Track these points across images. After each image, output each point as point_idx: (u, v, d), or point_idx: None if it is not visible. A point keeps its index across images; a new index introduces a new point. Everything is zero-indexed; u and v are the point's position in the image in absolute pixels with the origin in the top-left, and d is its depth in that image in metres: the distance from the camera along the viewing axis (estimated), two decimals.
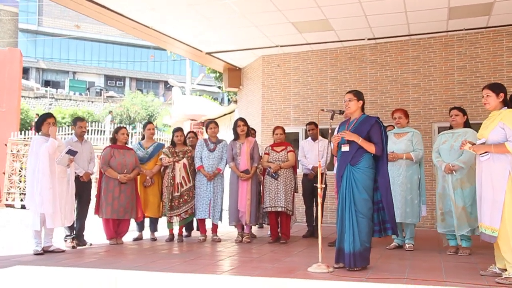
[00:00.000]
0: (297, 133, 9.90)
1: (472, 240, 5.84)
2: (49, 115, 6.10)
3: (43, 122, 5.97)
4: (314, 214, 7.58)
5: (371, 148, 4.78)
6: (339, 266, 4.82)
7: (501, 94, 4.37)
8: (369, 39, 9.25)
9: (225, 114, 13.66)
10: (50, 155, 5.80)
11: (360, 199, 4.71)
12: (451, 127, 5.99)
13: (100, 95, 36.97)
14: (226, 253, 6.00)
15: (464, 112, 5.88)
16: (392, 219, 4.89)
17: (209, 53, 10.37)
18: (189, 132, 7.78)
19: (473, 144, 4.46)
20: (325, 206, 7.72)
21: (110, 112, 27.63)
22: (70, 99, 34.96)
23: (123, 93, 38.56)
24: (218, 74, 18.32)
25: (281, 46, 9.71)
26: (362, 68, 9.59)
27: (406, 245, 6.19)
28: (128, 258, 5.63)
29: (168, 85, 40.74)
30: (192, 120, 14.93)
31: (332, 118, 5.03)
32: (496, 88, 4.41)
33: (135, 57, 41.78)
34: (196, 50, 10.18)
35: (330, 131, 5.03)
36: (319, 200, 4.87)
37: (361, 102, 5.01)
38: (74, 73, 41.17)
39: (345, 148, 4.85)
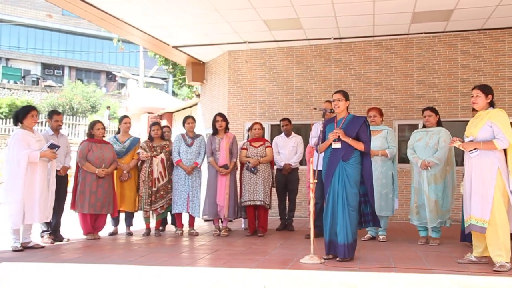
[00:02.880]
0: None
1: (441, 231, 6.29)
2: (32, 108, 5.94)
3: (26, 114, 5.81)
4: (287, 208, 7.84)
5: (360, 146, 5.08)
6: (328, 257, 5.09)
7: (489, 96, 4.78)
8: (335, 38, 9.58)
9: (185, 108, 13.62)
10: (30, 157, 5.67)
11: (352, 194, 5.00)
12: (424, 126, 6.39)
13: (37, 84, 35.42)
14: (210, 246, 6.12)
15: (436, 112, 6.29)
16: (374, 211, 5.24)
17: (175, 47, 10.34)
18: (163, 127, 7.77)
19: (462, 141, 4.83)
20: (297, 201, 7.98)
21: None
22: (4, 87, 33.20)
23: (62, 83, 37.16)
24: (170, 66, 18.19)
25: (249, 42, 9.86)
26: (327, 66, 9.92)
27: (380, 236, 6.56)
28: (117, 253, 5.64)
29: (111, 76, 39.74)
30: (149, 113, 14.78)
31: (323, 116, 5.25)
32: (486, 89, 4.80)
33: (74, 46, 40.30)
34: (162, 43, 10.13)
35: (322, 128, 5.25)
36: (312, 195, 5.09)
37: (348, 102, 5.27)
38: (8, 59, 39.08)
39: (337, 145, 5.10)
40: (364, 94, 9.64)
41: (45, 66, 39.72)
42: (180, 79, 19.64)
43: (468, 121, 8.55)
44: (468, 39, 9.25)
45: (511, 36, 9.02)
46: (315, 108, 5.40)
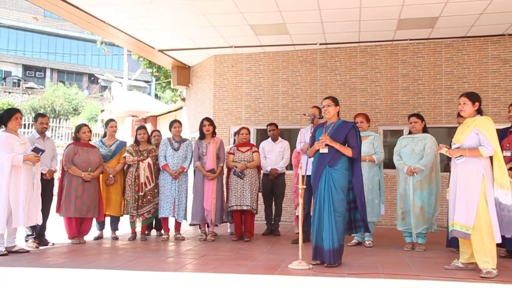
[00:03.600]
0: None
1: (427, 237, 6.34)
2: (17, 110, 5.87)
3: (11, 117, 5.73)
4: (273, 213, 7.83)
5: (348, 152, 5.09)
6: (316, 262, 5.10)
7: (477, 103, 4.83)
8: (320, 44, 9.63)
9: (169, 112, 13.55)
10: (14, 161, 5.60)
11: (338, 199, 5.01)
12: (410, 132, 6.44)
13: (18, 85, 34.99)
14: (197, 251, 6.08)
15: (422, 119, 6.35)
16: (365, 217, 5.25)
17: (161, 50, 10.29)
18: (153, 131, 7.72)
19: (449, 148, 4.88)
20: (283, 206, 7.99)
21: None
22: None
23: (43, 85, 36.72)
24: (155, 70, 18.10)
25: (235, 46, 9.85)
26: (312, 72, 9.96)
27: (366, 242, 6.59)
28: (103, 258, 5.58)
29: (93, 78, 39.39)
30: (133, 116, 14.67)
31: (312, 122, 5.27)
32: (473, 97, 4.85)
33: (56, 48, 39.83)
34: (147, 46, 10.07)
35: (310, 135, 5.27)
36: (300, 200, 5.09)
37: (338, 107, 5.30)
38: None
39: (324, 150, 5.12)
40: (349, 100, 9.70)
41: (26, 67, 39.22)
42: (164, 82, 19.53)
43: (452, 128, 8.72)
44: (452, 46, 9.37)
45: (494, 44, 9.17)
46: (304, 114, 5.42)
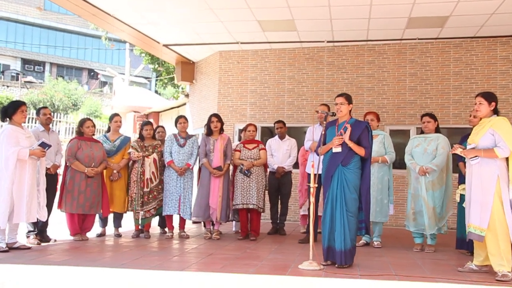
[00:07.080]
0: None
1: (436, 238, 6.23)
2: (22, 103, 5.73)
3: (16, 110, 5.59)
4: (279, 212, 7.71)
5: (361, 151, 4.97)
6: (327, 263, 4.98)
7: (493, 103, 4.69)
8: (328, 41, 9.51)
9: (172, 108, 13.41)
10: (20, 155, 5.47)
11: (351, 199, 4.90)
12: (422, 132, 6.34)
13: (17, 79, 34.72)
14: (203, 250, 5.95)
15: (435, 119, 6.26)
16: (368, 219, 5.16)
17: (166, 45, 10.16)
18: (158, 127, 7.59)
19: (464, 148, 4.77)
20: (289, 205, 7.87)
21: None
22: None
23: (42, 79, 36.49)
24: (156, 66, 17.96)
25: (242, 43, 9.73)
26: (319, 70, 9.85)
27: (374, 242, 6.48)
28: (108, 256, 5.46)
29: (92, 73, 39.18)
30: (135, 112, 14.53)
31: (325, 119, 5.15)
32: (489, 97, 4.72)
33: (56, 42, 39.58)
34: (152, 41, 9.95)
35: (323, 132, 5.15)
36: (312, 199, 4.97)
37: (351, 105, 5.18)
38: None
39: (337, 149, 5.00)
40: (356, 99, 9.46)
41: (25, 61, 38.95)
42: (166, 78, 19.39)
43: (459, 128, 8.63)
44: (460, 46, 9.27)
45: (503, 45, 9.07)
46: (317, 111, 5.30)
